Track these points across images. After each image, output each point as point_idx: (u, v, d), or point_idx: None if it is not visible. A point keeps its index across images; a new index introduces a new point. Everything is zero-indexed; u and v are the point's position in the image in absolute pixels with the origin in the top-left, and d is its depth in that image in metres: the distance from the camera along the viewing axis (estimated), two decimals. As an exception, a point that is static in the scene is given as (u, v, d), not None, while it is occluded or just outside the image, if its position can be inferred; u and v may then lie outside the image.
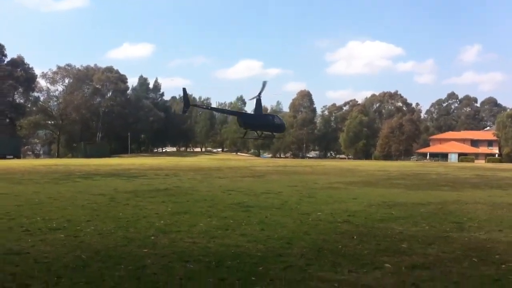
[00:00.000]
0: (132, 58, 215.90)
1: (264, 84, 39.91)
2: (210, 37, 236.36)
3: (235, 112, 51.07)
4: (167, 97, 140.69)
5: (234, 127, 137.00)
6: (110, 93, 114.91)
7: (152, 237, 10.74)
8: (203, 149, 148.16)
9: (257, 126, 39.29)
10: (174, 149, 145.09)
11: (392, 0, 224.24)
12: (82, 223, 12.40)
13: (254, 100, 41.08)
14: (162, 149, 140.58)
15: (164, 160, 74.11)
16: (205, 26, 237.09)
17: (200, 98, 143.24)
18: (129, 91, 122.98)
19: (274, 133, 47.21)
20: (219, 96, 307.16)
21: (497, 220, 14.02)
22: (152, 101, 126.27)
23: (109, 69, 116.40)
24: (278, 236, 11.11)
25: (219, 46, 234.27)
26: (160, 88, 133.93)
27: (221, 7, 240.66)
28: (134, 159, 78.63)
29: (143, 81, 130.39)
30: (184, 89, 37.83)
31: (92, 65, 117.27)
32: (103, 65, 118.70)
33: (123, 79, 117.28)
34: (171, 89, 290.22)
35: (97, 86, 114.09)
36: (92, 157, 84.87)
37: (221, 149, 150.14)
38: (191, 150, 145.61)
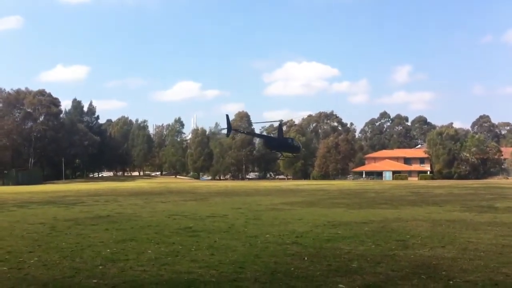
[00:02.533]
0: (66, 81, 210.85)
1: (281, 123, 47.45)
2: (147, 58, 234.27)
3: (264, 135, 54.78)
4: (102, 120, 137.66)
5: (172, 150, 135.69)
6: (43, 117, 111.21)
7: (100, 267, 10.39)
8: (141, 173, 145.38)
9: (280, 148, 44.42)
10: (111, 173, 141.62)
11: (328, 22, 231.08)
12: (24, 254, 11.84)
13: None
14: (98, 174, 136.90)
15: (102, 186, 72.20)
16: (141, 47, 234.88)
17: (137, 120, 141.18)
18: (62, 115, 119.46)
19: (294, 154, 55.64)
20: (156, 118, 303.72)
21: (438, 236, 14.54)
22: (86, 125, 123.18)
23: (41, 92, 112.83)
24: (229, 260, 11.03)
25: (156, 67, 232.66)
26: (95, 111, 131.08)
27: (157, 27, 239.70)
28: (70, 185, 76.16)
29: (77, 104, 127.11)
30: (227, 116, 42.30)
31: (23, 88, 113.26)
32: (35, 88, 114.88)
33: (56, 102, 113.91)
34: (106, 111, 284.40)
35: (28, 110, 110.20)
36: (24, 184, 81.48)
37: (159, 173, 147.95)
38: (129, 174, 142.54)
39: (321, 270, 10.02)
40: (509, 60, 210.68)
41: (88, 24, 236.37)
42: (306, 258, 11.23)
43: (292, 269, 10.16)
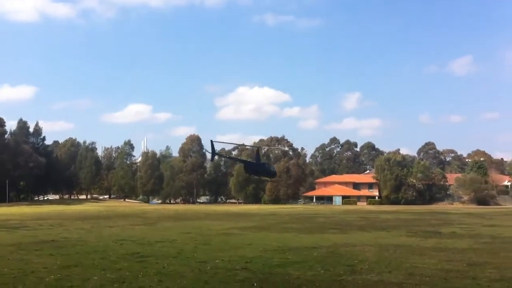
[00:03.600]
0: (13, 101, 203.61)
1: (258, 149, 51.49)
2: (97, 80, 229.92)
3: (243, 160, 60.34)
4: (49, 141, 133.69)
5: (121, 173, 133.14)
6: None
7: (43, 295, 10.04)
8: (89, 196, 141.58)
9: (258, 173, 45.78)
10: (57, 196, 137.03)
11: (280, 49, 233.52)
12: (-39, 283, 11.29)
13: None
14: (44, 197, 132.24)
15: (47, 209, 69.90)
16: (91, 68, 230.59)
17: (84, 142, 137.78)
18: (7, 135, 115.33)
19: (270, 178, 60.72)
20: (105, 140, 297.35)
21: (385, 261, 14.80)
22: (32, 146, 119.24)
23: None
24: (178, 287, 10.89)
25: (106, 89, 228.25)
26: (41, 132, 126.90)
27: (108, 48, 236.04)
28: (13, 208, 73.31)
29: (22, 125, 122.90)
30: (211, 141, 42.38)
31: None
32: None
33: (0, 122, 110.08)
34: (54, 133, 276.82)
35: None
36: (-37, 207, 77.86)
37: (108, 196, 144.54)
38: (76, 197, 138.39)
39: (270, 296, 10.00)
40: (453, 89, 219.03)
41: (36, 44, 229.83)
42: (255, 284, 11.21)
43: (241, 295, 10.11)
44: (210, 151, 46.41)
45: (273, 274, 12.50)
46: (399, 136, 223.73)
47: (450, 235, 24.34)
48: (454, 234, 25.26)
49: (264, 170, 44.75)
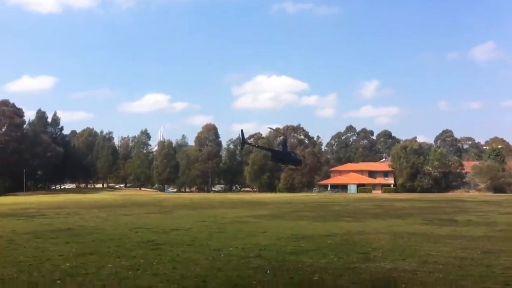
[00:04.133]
0: (32, 91, 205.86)
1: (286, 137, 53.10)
2: (115, 70, 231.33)
3: (271, 149, 62.88)
4: (66, 131, 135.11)
5: (137, 162, 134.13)
6: (5, 128, 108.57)
7: (59, 281, 10.19)
8: (105, 185, 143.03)
9: (284, 161, 47.94)
10: (74, 185, 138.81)
11: (299, 37, 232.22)
12: (-21, 269, 11.50)
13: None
14: (61, 186, 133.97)
15: (64, 198, 70.72)
16: (110, 59, 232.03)
17: (102, 132, 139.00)
18: (26, 126, 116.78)
19: (296, 166, 60.25)
20: (122, 129, 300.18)
21: (399, 249, 14.74)
22: (50, 136, 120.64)
23: (4, 103, 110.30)
24: (192, 274, 10.95)
25: (124, 79, 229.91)
26: (59, 122, 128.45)
27: (127, 39, 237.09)
28: (31, 197, 74.33)
29: (41, 115, 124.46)
30: (241, 130, 44.73)
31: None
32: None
33: (19, 113, 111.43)
34: (72, 123, 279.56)
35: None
36: (-17, 196, 79.15)
37: (124, 185, 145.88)
38: (92, 186, 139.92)
39: (283, 284, 10.05)
40: (473, 77, 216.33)
41: (56, 35, 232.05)
42: (268, 271, 11.24)
43: (254, 282, 10.16)
44: (240, 140, 48.48)
45: (286, 262, 12.53)
46: (417, 124, 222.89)
47: (465, 223, 24.16)
48: (469, 221, 25.07)
49: (290, 159, 46.47)
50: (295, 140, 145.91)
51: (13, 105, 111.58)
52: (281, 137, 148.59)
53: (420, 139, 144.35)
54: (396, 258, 13.03)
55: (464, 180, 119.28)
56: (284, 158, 46.23)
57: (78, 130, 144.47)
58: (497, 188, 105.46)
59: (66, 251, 14.46)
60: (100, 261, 12.67)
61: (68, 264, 12.19)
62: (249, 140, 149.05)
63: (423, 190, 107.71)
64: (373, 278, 10.57)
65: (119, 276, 10.73)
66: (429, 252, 14.05)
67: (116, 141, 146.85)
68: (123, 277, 10.62)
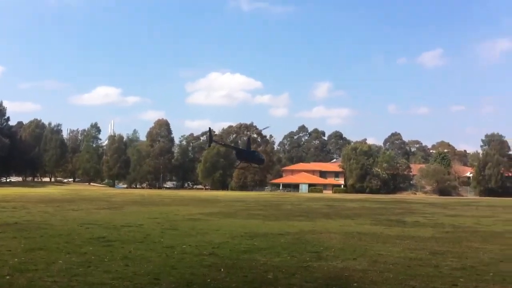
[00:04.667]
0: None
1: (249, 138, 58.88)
2: (65, 61, 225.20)
3: (236, 148, 63.18)
4: (13, 122, 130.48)
5: (86, 156, 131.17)
6: None
7: (8, 277, 9.87)
8: (53, 179, 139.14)
9: (249, 159, 49.15)
10: (20, 179, 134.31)
11: (254, 35, 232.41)
12: None
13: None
14: (6, 179, 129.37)
15: (10, 191, 68.34)
16: (60, 49, 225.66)
17: (50, 124, 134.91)
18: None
19: (259, 165, 66.43)
20: (71, 122, 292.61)
21: (350, 249, 15.03)
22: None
23: None
24: (144, 271, 10.82)
25: (74, 70, 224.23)
26: (5, 112, 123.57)
27: (78, 29, 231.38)
28: (-27, 190, 71.51)
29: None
30: (210, 128, 49.68)
31: None
32: None
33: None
34: (20, 114, 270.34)
35: None
36: None
37: (72, 179, 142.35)
38: (39, 180, 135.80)
39: (237, 282, 10.07)
40: (422, 82, 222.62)
41: (4, 21, 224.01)
42: (222, 269, 11.25)
43: (209, 280, 10.15)
44: (208, 137, 50.06)
45: (240, 260, 12.56)
46: (367, 126, 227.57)
47: (413, 224, 24.85)
48: (417, 223, 25.80)
49: (254, 157, 48.74)
50: (247, 138, 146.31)
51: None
52: (233, 136, 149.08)
53: (370, 141, 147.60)
54: (348, 258, 13.28)
55: (411, 182, 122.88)
56: (248, 157, 47.69)
57: (25, 122, 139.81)
58: (443, 191, 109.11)
59: (14, 246, 14.03)
60: (50, 257, 12.35)
61: (16, 259, 11.83)
62: (201, 138, 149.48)
63: (372, 191, 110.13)
64: (326, 277, 10.74)
65: (70, 272, 10.48)
66: (379, 252, 14.38)
67: (65, 134, 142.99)
68: (74, 273, 10.38)
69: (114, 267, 11.18)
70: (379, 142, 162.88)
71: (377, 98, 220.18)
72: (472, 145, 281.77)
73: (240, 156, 51.01)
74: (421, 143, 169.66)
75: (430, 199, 77.08)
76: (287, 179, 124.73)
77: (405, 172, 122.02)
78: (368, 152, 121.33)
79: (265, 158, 61.05)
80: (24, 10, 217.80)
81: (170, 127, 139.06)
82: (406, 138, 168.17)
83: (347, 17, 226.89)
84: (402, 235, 19.17)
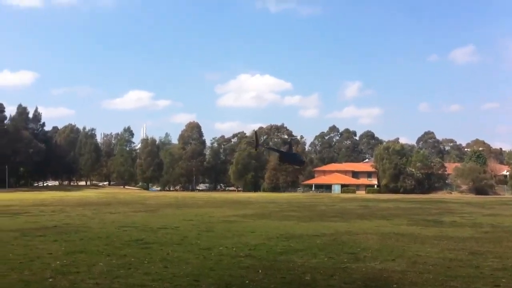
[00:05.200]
0: (13, 86, 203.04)
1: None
2: (97, 66, 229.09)
3: (280, 151, 64.80)
4: (48, 127, 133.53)
5: (120, 159, 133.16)
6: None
7: (50, 279, 10.11)
8: (88, 183, 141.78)
9: (291, 162, 52.05)
10: (56, 183, 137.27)
11: (283, 36, 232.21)
12: (-31, 267, 11.37)
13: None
14: (43, 183, 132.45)
15: (47, 195, 70.04)
16: (92, 55, 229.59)
17: (84, 128, 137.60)
18: (6, 121, 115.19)
19: (300, 166, 72.00)
20: (105, 126, 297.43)
21: (388, 249, 14.88)
22: (32, 132, 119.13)
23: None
24: (183, 273, 10.95)
25: (106, 75, 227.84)
26: (40, 118, 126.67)
27: (110, 35, 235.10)
28: (13, 194, 73.39)
29: (22, 111, 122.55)
30: (255, 131, 50.38)
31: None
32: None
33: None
34: (53, 119, 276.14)
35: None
36: (-37, 192, 77.90)
37: (107, 183, 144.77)
38: (75, 184, 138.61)
39: (275, 283, 10.09)
40: (454, 79, 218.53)
41: (37, 29, 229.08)
42: (260, 271, 11.28)
43: (247, 282, 10.19)
44: (254, 141, 53.08)
45: (277, 261, 12.58)
46: (399, 125, 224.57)
47: (451, 224, 24.45)
48: (455, 223, 25.38)
49: (296, 159, 50.94)
50: (279, 139, 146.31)
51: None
52: (264, 137, 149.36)
53: (402, 140, 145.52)
54: (386, 259, 13.15)
55: (446, 181, 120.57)
56: (290, 159, 49.26)
57: (60, 127, 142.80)
58: (479, 190, 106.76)
59: (55, 249, 14.35)
60: (90, 259, 12.60)
61: (58, 262, 12.10)
62: (232, 140, 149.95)
63: (406, 191, 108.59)
64: (364, 278, 10.67)
65: (111, 274, 10.68)
66: (417, 253, 14.21)
67: (99, 138, 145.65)
68: (115, 275, 10.57)
69: (154, 269, 11.34)
70: (412, 141, 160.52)
71: (408, 97, 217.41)
72: (507, 143, 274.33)
73: (283, 159, 52.34)
74: (456, 142, 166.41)
75: (467, 198, 75.64)
76: (319, 179, 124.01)
77: (440, 171, 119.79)
78: (401, 152, 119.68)
79: (305, 159, 65.12)
80: (55, 16, 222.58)
81: (201, 130, 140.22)
82: (439, 136, 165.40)
83: (376, 15, 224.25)
84: (440, 236, 18.89)
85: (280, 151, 58.47)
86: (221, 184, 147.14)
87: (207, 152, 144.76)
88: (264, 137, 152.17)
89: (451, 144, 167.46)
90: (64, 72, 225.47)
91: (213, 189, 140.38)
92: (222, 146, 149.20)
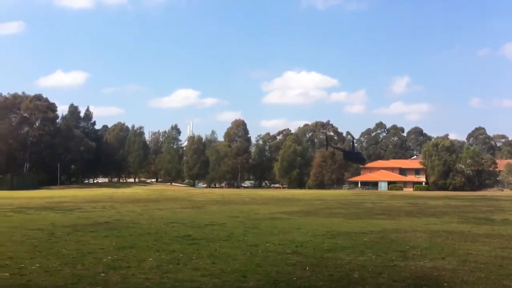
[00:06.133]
0: (65, 86, 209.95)
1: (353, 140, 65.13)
2: (147, 65, 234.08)
3: (345, 150, 66.38)
4: (98, 125, 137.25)
5: (168, 157, 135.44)
6: (39, 122, 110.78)
7: (102, 274, 10.38)
8: (137, 180, 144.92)
9: (354, 160, 55.60)
10: (106, 180, 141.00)
11: (329, 33, 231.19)
12: (26, 260, 11.80)
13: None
14: (94, 180, 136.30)
15: (98, 192, 71.97)
16: (141, 54, 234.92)
17: (133, 126, 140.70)
18: (59, 120, 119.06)
19: (363, 165, 77.22)
20: (153, 124, 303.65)
21: (438, 248, 14.58)
22: (83, 130, 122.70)
23: (38, 97, 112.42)
24: (231, 269, 11.05)
25: (155, 74, 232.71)
26: (91, 117, 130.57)
27: (158, 35, 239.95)
28: (65, 191, 75.84)
29: (73, 110, 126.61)
30: (326, 133, 54.55)
31: (20, 93, 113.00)
32: (33, 93, 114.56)
33: (52, 107, 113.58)
34: (104, 118, 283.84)
35: (24, 115, 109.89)
36: (19, 189, 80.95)
37: (155, 180, 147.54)
38: (124, 181, 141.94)
39: (323, 280, 10.04)
40: (506, 73, 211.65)
41: (88, 30, 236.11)
42: (307, 268, 11.26)
43: (294, 278, 10.19)
44: (325, 142, 57.68)
45: (324, 259, 12.52)
46: (448, 121, 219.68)
47: (502, 222, 23.72)
48: (507, 221, 24.59)
49: (359, 158, 54.53)
50: (325, 136, 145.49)
51: (46, 100, 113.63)
52: (310, 134, 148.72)
53: (452, 137, 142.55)
54: (435, 257, 12.89)
55: (497, 178, 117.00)
56: (353, 157, 52.79)
57: (110, 125, 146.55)
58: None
59: (106, 244, 14.73)
60: (140, 254, 12.88)
61: (109, 257, 12.41)
62: (277, 137, 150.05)
63: (455, 188, 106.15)
64: (414, 276, 10.50)
65: (161, 269, 10.89)
66: (468, 251, 13.86)
67: (147, 136, 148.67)
68: (165, 270, 10.77)
69: (202, 265, 11.50)
70: (462, 138, 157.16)
71: (458, 92, 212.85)
72: None
73: (347, 157, 56.07)
74: (508, 138, 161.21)
75: (520, 196, 73.09)
76: (365, 177, 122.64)
77: (491, 168, 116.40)
78: (450, 148, 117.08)
79: (366, 158, 70.46)
80: (105, 17, 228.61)
81: (247, 127, 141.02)
82: (490, 132, 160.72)
83: (423, 9, 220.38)
84: (491, 234, 18.36)
85: (345, 150, 60.53)
86: (266, 181, 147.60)
87: (253, 149, 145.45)
88: (310, 134, 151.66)
89: (503, 140, 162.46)
90: (114, 72, 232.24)
91: (258, 186, 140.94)
92: (268, 143, 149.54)
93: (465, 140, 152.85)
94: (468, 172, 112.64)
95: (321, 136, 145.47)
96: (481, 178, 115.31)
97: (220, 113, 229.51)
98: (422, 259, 12.59)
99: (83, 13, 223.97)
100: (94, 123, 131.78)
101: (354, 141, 72.20)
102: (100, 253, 13.05)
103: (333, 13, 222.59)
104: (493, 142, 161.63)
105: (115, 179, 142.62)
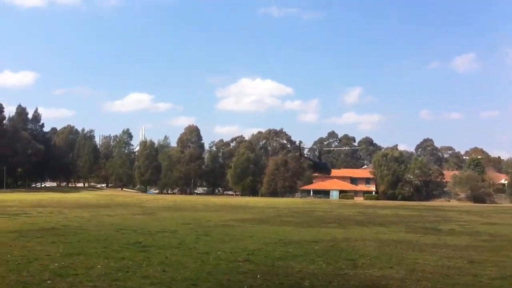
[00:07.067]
0: (14, 87, 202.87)
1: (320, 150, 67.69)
2: (98, 67, 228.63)
3: (314, 161, 63.74)
4: (47, 128, 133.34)
5: (119, 162, 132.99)
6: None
7: (49, 281, 10.09)
8: (86, 185, 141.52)
9: (321, 170, 56.78)
10: (54, 184, 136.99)
11: (285, 41, 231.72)
12: (-34, 268, 11.34)
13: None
14: (41, 184, 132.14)
15: (45, 196, 69.90)
16: (94, 56, 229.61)
17: (83, 130, 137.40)
18: (5, 121, 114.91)
19: (328, 174, 75.46)
20: (104, 128, 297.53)
21: (386, 257, 14.87)
22: (30, 133, 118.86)
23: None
24: (182, 277, 10.94)
25: (107, 77, 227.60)
26: (40, 119, 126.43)
27: (111, 37, 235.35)
28: (11, 195, 73.32)
29: (21, 111, 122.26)
30: (299, 142, 60.44)
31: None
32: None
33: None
34: (54, 120, 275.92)
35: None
36: (-39, 192, 77.74)
37: (105, 185, 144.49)
38: (73, 185, 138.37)
39: (274, 289, 10.07)
40: (455, 86, 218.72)
41: (39, 29, 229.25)
42: (258, 276, 11.27)
43: (245, 287, 10.21)
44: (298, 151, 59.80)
45: (275, 267, 12.57)
46: (398, 132, 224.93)
47: (449, 232, 24.45)
48: (453, 231, 25.37)
49: (326, 168, 55.24)
50: (277, 144, 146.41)
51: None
52: (263, 141, 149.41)
53: (401, 147, 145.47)
54: (384, 266, 13.15)
55: (444, 189, 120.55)
56: (321, 167, 54.08)
57: (59, 128, 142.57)
58: (477, 198, 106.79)
59: (53, 251, 14.32)
60: (89, 262, 12.59)
61: (56, 264, 12.08)
62: (231, 144, 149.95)
63: (404, 198, 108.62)
64: (363, 285, 10.67)
65: (109, 277, 10.66)
66: (416, 261, 14.20)
67: (98, 140, 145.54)
68: (114, 278, 10.56)
69: (152, 273, 11.34)
70: (411, 148, 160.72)
71: (409, 104, 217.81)
72: (506, 152, 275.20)
73: (315, 167, 58.36)
74: (454, 149, 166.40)
75: (465, 206, 75.57)
76: (317, 185, 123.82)
77: (438, 179, 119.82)
78: (399, 159, 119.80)
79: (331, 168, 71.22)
80: (56, 16, 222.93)
81: (200, 133, 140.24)
82: (438, 144, 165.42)
83: (378, 22, 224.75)
84: (438, 244, 18.90)
85: (314, 160, 61.32)
86: (219, 188, 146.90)
87: (206, 155, 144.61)
88: (263, 141, 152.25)
89: (450, 151, 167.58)
90: (65, 73, 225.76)
91: (211, 193, 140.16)
92: (221, 150, 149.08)
93: (414, 151, 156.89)
94: (416, 182, 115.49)
95: (274, 144, 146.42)
96: (429, 189, 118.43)
97: (174, 118, 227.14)
98: (371, 268, 12.82)
99: (34, 12, 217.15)
100: (42, 125, 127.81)
101: (320, 152, 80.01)
102: (47, 260, 12.70)
103: (289, 21, 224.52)
104: (440, 154, 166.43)
105: (64, 184, 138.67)
